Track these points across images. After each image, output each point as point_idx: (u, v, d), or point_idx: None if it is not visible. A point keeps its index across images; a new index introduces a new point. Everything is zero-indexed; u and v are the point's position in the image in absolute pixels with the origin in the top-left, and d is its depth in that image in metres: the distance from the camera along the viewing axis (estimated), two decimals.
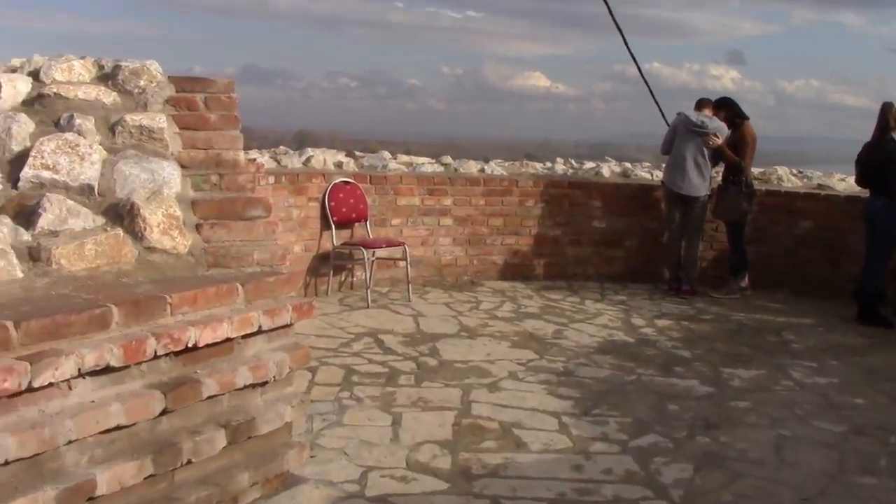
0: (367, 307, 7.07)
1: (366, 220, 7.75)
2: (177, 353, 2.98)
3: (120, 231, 3.31)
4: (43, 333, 2.57)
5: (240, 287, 3.29)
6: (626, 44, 9.98)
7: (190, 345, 2.98)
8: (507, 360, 5.71)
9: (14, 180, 3.58)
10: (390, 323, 6.58)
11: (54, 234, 3.24)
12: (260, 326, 3.28)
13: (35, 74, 4.21)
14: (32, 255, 3.06)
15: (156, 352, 2.85)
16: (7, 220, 3.19)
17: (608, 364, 5.73)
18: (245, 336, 3.27)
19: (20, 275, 2.91)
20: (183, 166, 3.98)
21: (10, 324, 2.49)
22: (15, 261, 2.91)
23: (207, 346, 3.07)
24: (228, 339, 3.17)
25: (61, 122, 3.91)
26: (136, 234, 3.38)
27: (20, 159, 3.65)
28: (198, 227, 3.61)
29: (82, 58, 4.41)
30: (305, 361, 3.57)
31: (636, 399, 5.00)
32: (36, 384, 2.48)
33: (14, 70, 4.28)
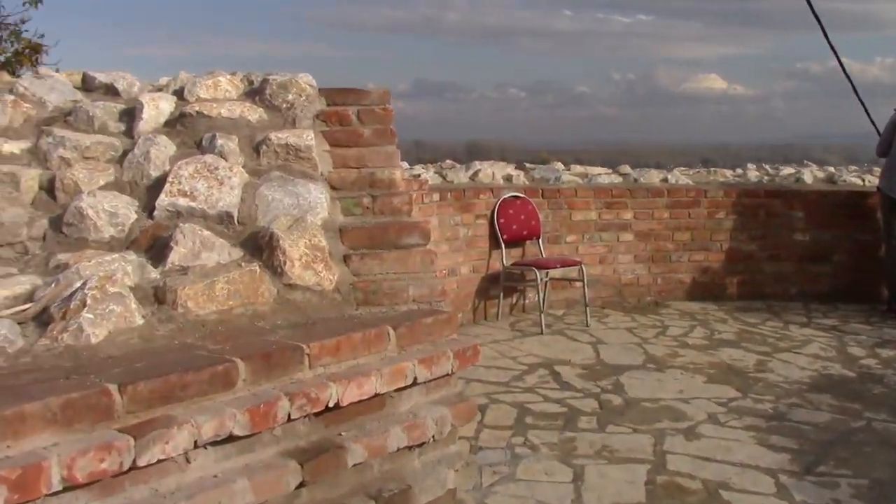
0: (541, 333, 6.47)
1: (538, 238, 7.15)
2: (316, 414, 2.49)
3: (256, 266, 2.88)
4: (153, 398, 2.13)
5: (391, 331, 2.77)
6: (827, 39, 8.91)
7: (331, 404, 2.48)
8: (703, 398, 4.95)
9: (150, 209, 3.24)
10: (567, 352, 5.95)
11: (184, 270, 2.85)
12: (415, 378, 2.75)
13: (179, 93, 3.91)
14: (158, 297, 2.66)
15: (289, 415, 2.37)
16: (132, 256, 2.82)
17: (827, 405, 4.84)
18: (398, 389, 2.74)
19: (139, 321, 2.50)
20: (333, 188, 3.54)
21: (113, 388, 2.07)
22: (133, 305, 2.51)
23: (353, 403, 2.57)
24: (378, 395, 2.65)
25: (203, 143, 3.55)
26: (275, 270, 2.94)
27: (158, 186, 3.31)
28: (346, 259, 3.14)
29: (233, 73, 4.08)
30: (471, 417, 3.00)
31: (870, 453, 4.12)
32: (141, 462, 2.04)
33: (160, 90, 4.00)
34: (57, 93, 3.89)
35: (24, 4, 10.96)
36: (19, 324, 2.42)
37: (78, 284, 2.50)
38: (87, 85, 4.06)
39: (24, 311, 2.49)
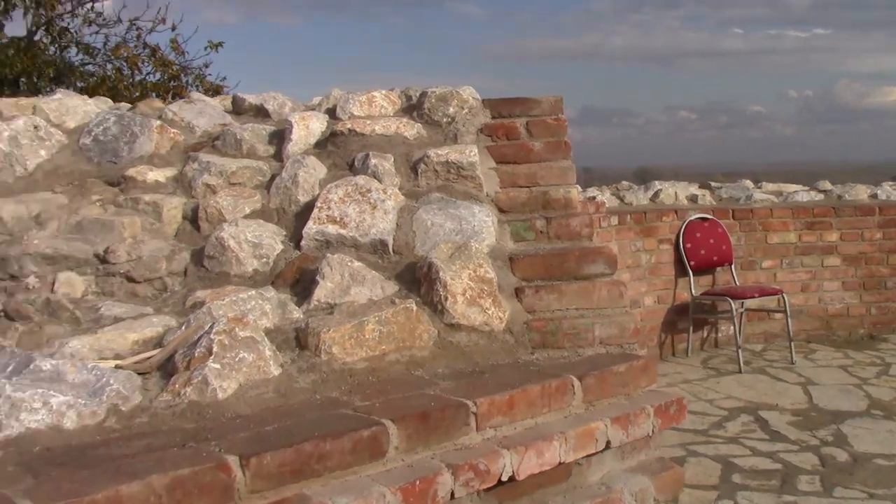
0: (739, 371, 5.71)
1: (730, 264, 6.41)
2: (486, 489, 1.99)
3: (413, 303, 2.43)
4: (283, 472, 1.70)
5: (575, 382, 2.24)
6: None
7: (504, 478, 1.97)
8: None
9: (297, 239, 2.87)
10: (772, 394, 5.17)
11: (330, 309, 2.44)
12: (608, 442, 2.20)
13: (332, 111, 3.56)
14: (300, 341, 2.26)
15: (452, 493, 1.88)
16: (271, 292, 2.44)
17: None
18: (587, 455, 2.20)
19: (275, 371, 2.10)
20: (501, 210, 3.06)
21: (234, 461, 1.65)
22: (268, 352, 2.11)
23: (531, 475, 2.05)
24: (562, 463, 2.12)
25: (355, 163, 3.17)
26: (435, 307, 2.48)
27: (306, 212, 2.95)
28: (517, 293, 2.64)
29: (390, 89, 3.71)
30: (678, 488, 2.41)
31: None
32: None
33: (312, 109, 3.67)
34: (206, 117, 3.64)
35: (205, 49, 11.28)
36: (141, 374, 2.07)
37: (208, 328, 2.13)
38: (237, 108, 3.79)
39: (148, 359, 2.14)
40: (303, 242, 2.84)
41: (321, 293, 2.51)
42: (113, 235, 2.83)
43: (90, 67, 11.16)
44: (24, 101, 3.69)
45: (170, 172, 3.27)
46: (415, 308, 2.40)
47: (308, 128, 3.38)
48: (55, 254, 2.70)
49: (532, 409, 2.13)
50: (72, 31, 10.78)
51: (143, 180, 3.18)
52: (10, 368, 1.86)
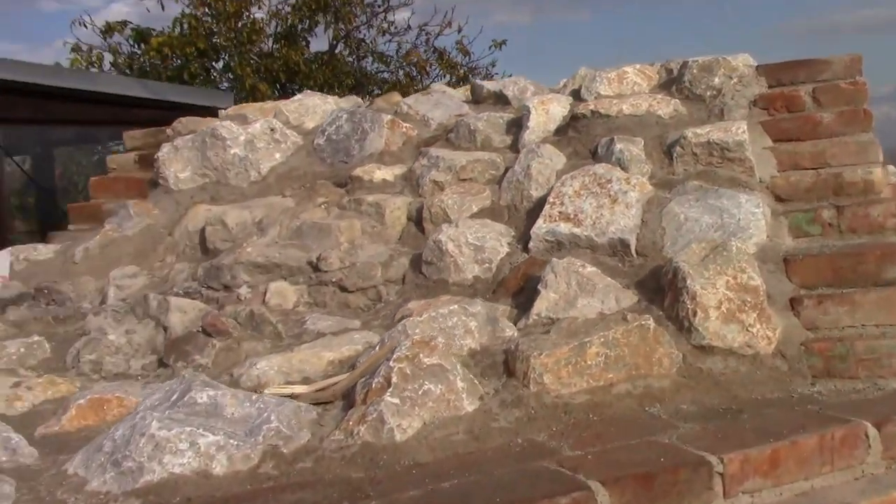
0: None
1: None
2: None
3: (650, 320, 1.94)
4: None
5: (871, 430, 1.65)
6: None
7: None
8: None
9: (525, 240, 2.49)
10: None
11: (549, 325, 2.02)
12: None
13: (577, 93, 3.13)
14: (508, 367, 1.87)
15: None
16: (478, 307, 2.06)
17: None
18: None
19: (469, 407, 1.72)
20: (777, 198, 2.47)
21: None
22: (460, 384, 1.74)
23: None
24: None
25: (598, 150, 2.73)
26: (680, 323, 1.98)
27: (538, 209, 2.56)
28: (793, 304, 2.06)
29: (652, 63, 3.21)
30: None
31: None
32: None
33: (557, 92, 3.26)
34: (442, 108, 3.36)
35: (489, 48, 11.35)
36: (322, 405, 1.79)
37: (392, 352, 1.80)
38: (475, 96, 3.47)
39: (332, 385, 1.86)
40: (531, 244, 2.45)
41: (542, 306, 2.10)
42: (329, 240, 2.62)
43: (384, 75, 11.61)
44: (268, 104, 3.64)
45: (399, 170, 3.02)
46: (652, 325, 1.92)
47: (547, 113, 2.98)
48: (267, 262, 2.54)
49: (805, 468, 1.58)
50: (367, 41, 11.28)
51: (369, 180, 2.96)
52: (173, 398, 1.66)
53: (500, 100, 3.34)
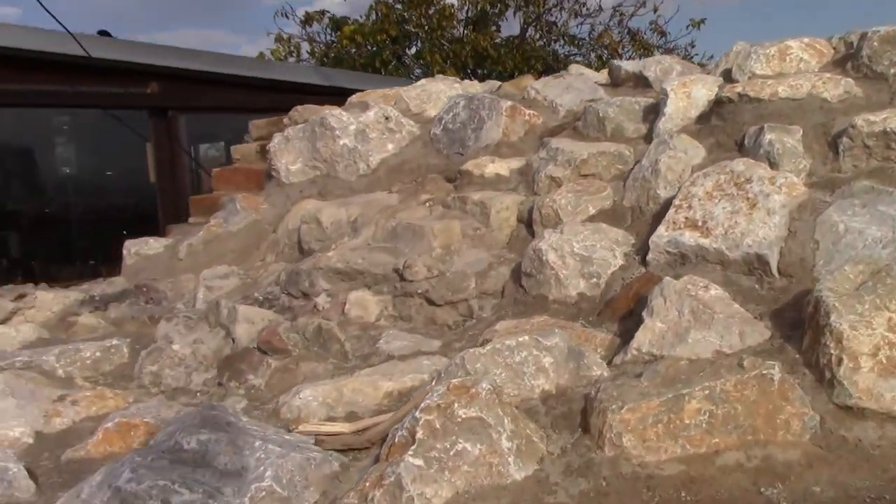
0: None
1: None
2: None
3: (776, 368, 1.49)
4: None
5: None
6: None
7: None
8: None
9: (644, 251, 2.07)
10: None
11: (648, 365, 1.61)
12: None
13: (728, 73, 2.64)
14: (584, 420, 1.49)
15: None
16: (555, 339, 1.67)
17: None
18: None
19: (516, 475, 1.36)
20: None
21: None
22: (505, 444, 1.37)
23: None
24: None
25: (745, 141, 2.25)
26: (820, 373, 1.51)
27: (665, 212, 2.13)
28: None
29: (829, 37, 2.68)
30: None
31: None
32: None
33: (708, 73, 2.78)
34: (573, 93, 2.97)
35: (686, 28, 10.73)
36: (350, 452, 1.49)
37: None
38: (613, 79, 3.05)
39: (372, 427, 1.55)
40: (649, 256, 2.03)
41: (644, 338, 1.70)
42: (422, 245, 2.31)
43: (577, 59, 11.19)
44: (391, 91, 3.38)
45: (516, 163, 2.67)
46: (778, 376, 1.46)
47: (689, 97, 2.53)
48: (348, 269, 2.27)
49: None
50: (559, 24, 10.92)
51: (479, 174, 2.63)
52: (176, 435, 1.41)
53: (641, 82, 2.90)
